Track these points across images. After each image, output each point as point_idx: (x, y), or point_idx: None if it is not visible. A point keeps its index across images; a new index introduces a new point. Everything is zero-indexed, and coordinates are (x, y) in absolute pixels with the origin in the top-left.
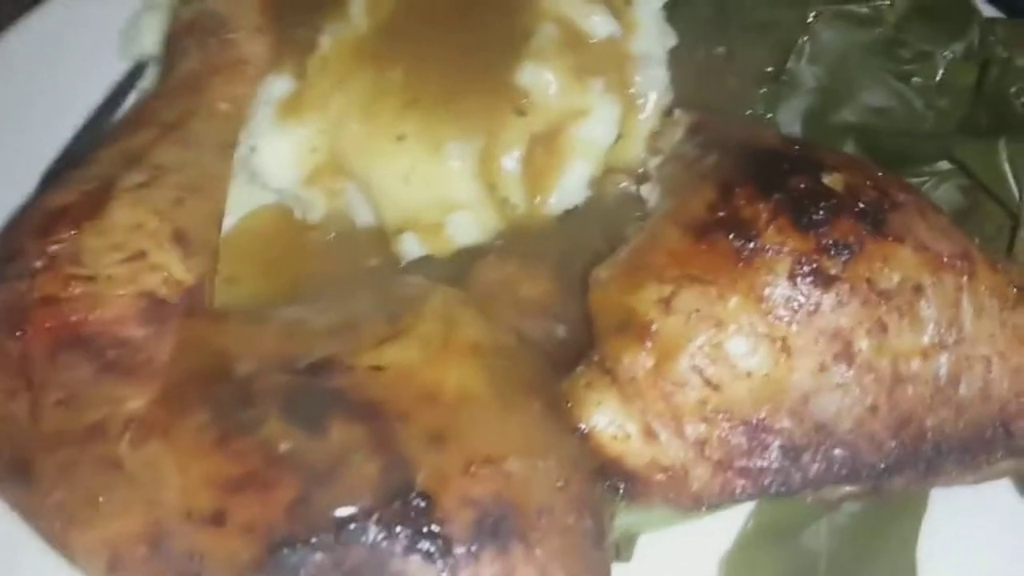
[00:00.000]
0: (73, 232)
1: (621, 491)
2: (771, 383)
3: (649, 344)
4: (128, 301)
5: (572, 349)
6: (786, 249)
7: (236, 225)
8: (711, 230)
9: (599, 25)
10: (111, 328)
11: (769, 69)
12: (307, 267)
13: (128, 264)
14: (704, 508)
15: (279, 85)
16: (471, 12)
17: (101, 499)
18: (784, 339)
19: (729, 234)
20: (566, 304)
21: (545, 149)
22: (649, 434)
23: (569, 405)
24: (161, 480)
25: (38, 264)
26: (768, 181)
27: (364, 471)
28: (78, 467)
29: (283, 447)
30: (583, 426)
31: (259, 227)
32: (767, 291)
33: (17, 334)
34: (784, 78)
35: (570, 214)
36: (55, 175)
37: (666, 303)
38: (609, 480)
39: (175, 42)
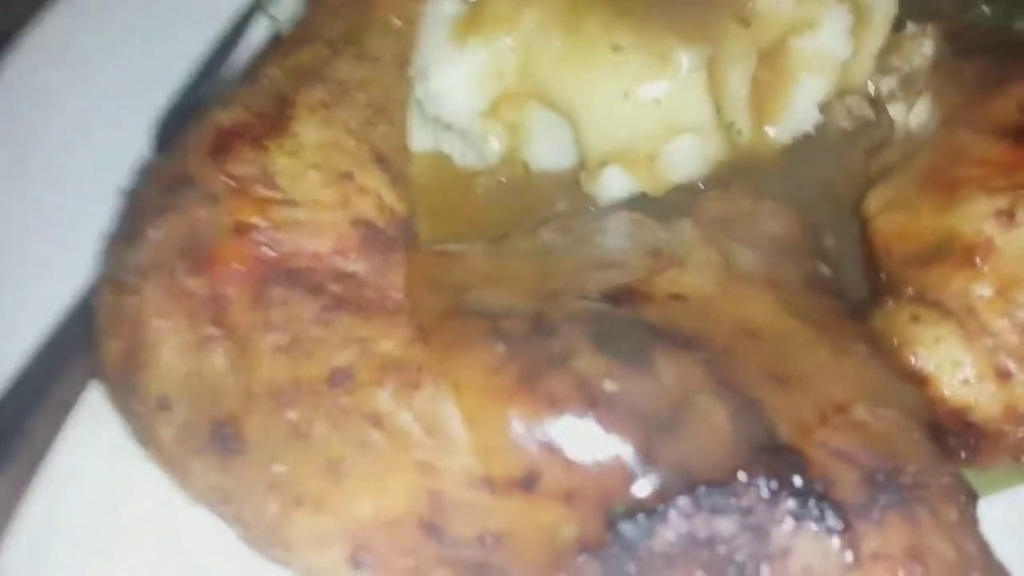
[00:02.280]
0: (256, 151)
1: (966, 449)
2: None
3: (986, 267)
4: (344, 229)
5: (838, 288)
6: None
7: None
8: None
9: None
10: (328, 260)
11: None
12: (478, 214)
13: (334, 187)
14: None
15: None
16: None
17: (346, 467)
18: None
19: None
20: (817, 240)
21: (771, 66)
22: (1002, 375)
23: (895, 344)
24: (443, 437)
25: (220, 187)
26: None
27: (714, 417)
28: (313, 427)
29: (608, 386)
30: (919, 368)
31: (418, 175)
32: None
33: (203, 270)
34: None
35: (799, 143)
36: (174, 117)
37: (1008, 216)
38: (947, 436)
39: None
